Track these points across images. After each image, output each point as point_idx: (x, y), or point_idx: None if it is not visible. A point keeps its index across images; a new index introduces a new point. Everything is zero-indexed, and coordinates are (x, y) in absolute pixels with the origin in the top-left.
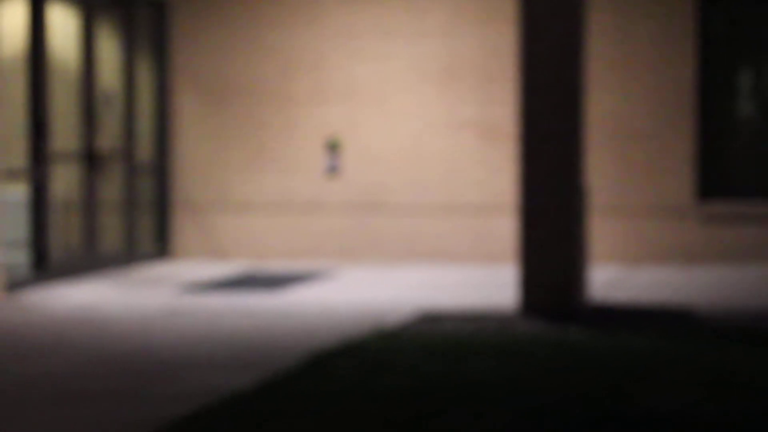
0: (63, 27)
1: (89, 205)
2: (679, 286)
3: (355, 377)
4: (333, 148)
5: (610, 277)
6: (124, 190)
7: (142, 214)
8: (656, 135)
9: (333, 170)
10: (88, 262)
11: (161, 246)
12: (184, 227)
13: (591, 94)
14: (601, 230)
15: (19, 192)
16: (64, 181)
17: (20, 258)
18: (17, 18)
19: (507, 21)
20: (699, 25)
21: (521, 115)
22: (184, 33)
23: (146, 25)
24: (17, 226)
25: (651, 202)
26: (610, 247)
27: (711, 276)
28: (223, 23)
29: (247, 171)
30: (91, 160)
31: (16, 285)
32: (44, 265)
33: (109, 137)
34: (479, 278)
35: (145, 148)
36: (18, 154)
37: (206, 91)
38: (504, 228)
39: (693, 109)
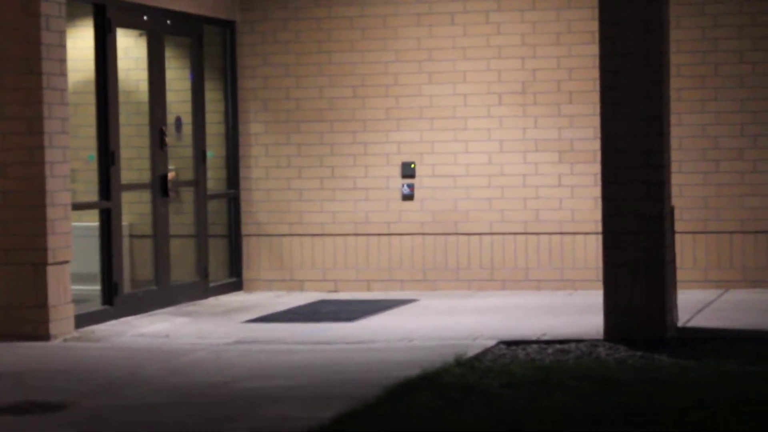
0: (131, 52)
1: (160, 235)
2: None
3: (437, 409)
4: (409, 172)
5: (699, 301)
6: (195, 219)
7: (215, 243)
8: (744, 153)
9: (409, 195)
10: (160, 293)
11: (235, 277)
12: (257, 256)
13: (675, 112)
14: (689, 253)
15: (89, 224)
16: (135, 211)
17: (92, 290)
18: (85, 46)
19: (585, 39)
20: None
21: (602, 135)
22: (254, 56)
23: (215, 49)
24: (88, 258)
25: (741, 223)
26: (699, 271)
27: None
28: (293, 46)
29: (320, 198)
30: (161, 189)
31: (87, 318)
32: (115, 298)
33: (179, 165)
34: (561, 303)
35: (216, 176)
36: (88, 184)
37: (277, 117)
38: (585, 250)
39: None
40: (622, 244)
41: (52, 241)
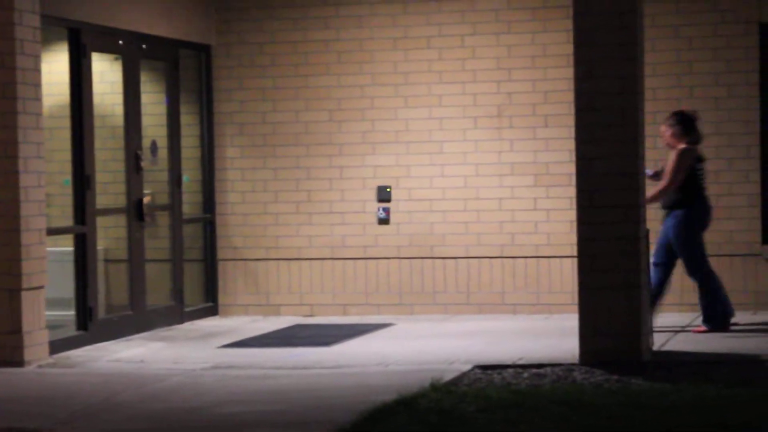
0: (106, 76)
1: (136, 260)
2: (747, 333)
3: None
4: (385, 196)
5: (675, 325)
6: (171, 244)
7: (190, 268)
8: (720, 176)
9: (385, 219)
10: (136, 318)
11: (211, 301)
12: (233, 281)
13: (651, 135)
14: None
15: (64, 248)
16: (111, 236)
17: (67, 316)
18: (60, 70)
19: (560, 62)
20: (763, 62)
21: (577, 158)
22: (230, 80)
23: (191, 73)
24: (63, 283)
25: (717, 246)
26: (674, 294)
27: None
28: (269, 70)
29: (296, 222)
30: (137, 213)
31: (62, 344)
32: (90, 323)
33: (155, 190)
34: (537, 327)
35: (192, 200)
36: (64, 209)
37: (253, 141)
38: (561, 274)
39: (759, 148)
40: (598, 268)
41: (27, 267)
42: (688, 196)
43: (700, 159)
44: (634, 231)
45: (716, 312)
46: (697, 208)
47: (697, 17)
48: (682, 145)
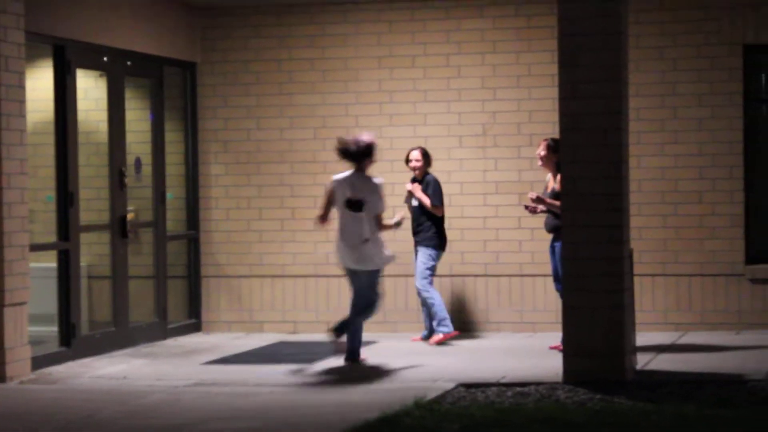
0: (90, 93)
1: (119, 276)
2: (729, 352)
3: None
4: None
5: (658, 344)
6: (154, 260)
7: (174, 285)
8: (703, 196)
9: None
10: (119, 334)
11: (194, 318)
12: (216, 298)
13: (635, 155)
14: (648, 295)
15: (47, 264)
16: (94, 252)
17: (49, 331)
18: (44, 86)
19: (545, 82)
20: (746, 83)
21: (562, 178)
22: (214, 98)
23: (176, 90)
24: (46, 299)
25: (700, 266)
26: (658, 313)
27: (762, 340)
28: (254, 88)
29: (280, 239)
30: (121, 230)
31: (44, 359)
32: (73, 339)
33: (139, 206)
34: (520, 345)
35: (176, 217)
36: (47, 225)
37: (238, 158)
38: (545, 293)
39: (743, 168)
40: (582, 287)
41: (10, 282)
42: None
43: None
44: (617, 251)
45: None
46: None
47: (681, 38)
48: None
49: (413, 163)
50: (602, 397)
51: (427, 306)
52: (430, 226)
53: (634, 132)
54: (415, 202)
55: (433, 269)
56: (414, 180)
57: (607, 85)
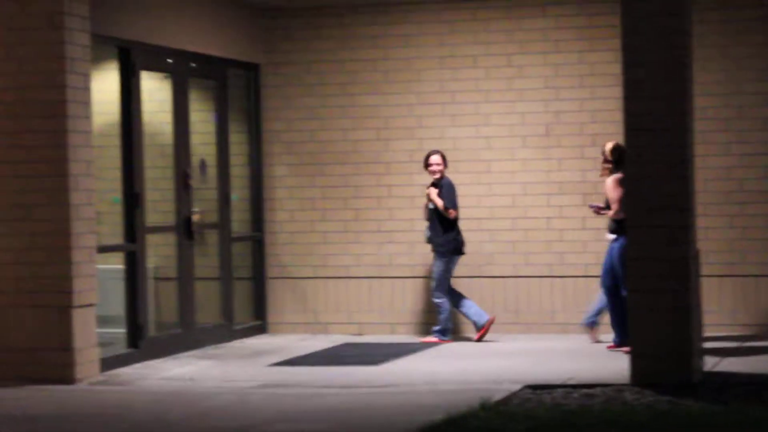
0: (155, 95)
1: (185, 278)
2: None
3: None
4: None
5: (726, 346)
6: (220, 262)
7: (239, 286)
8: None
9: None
10: (185, 336)
11: (259, 319)
12: (281, 299)
13: (700, 155)
14: (715, 296)
15: (114, 266)
16: (160, 253)
17: (117, 333)
18: (109, 89)
19: (608, 81)
20: None
21: (626, 178)
22: (277, 99)
23: (239, 92)
24: (113, 301)
25: (766, 266)
26: (725, 314)
27: None
28: (317, 89)
29: (344, 240)
30: (186, 231)
31: (112, 361)
32: (140, 341)
33: (204, 207)
34: (587, 346)
35: (240, 219)
36: (113, 227)
37: (301, 159)
38: None
39: None
40: (648, 288)
41: (78, 284)
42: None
43: None
44: (683, 252)
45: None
46: None
47: (745, 37)
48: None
49: (434, 167)
50: (669, 399)
51: (444, 310)
52: (441, 232)
53: (699, 131)
54: (432, 205)
55: (445, 276)
56: (432, 184)
57: (671, 84)
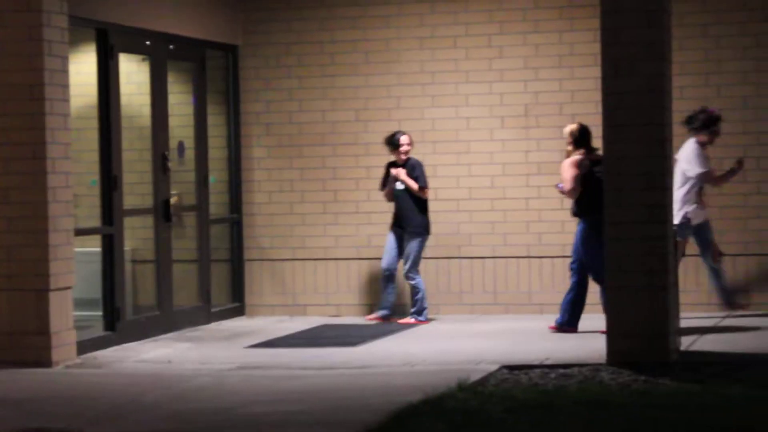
0: (133, 77)
1: (163, 260)
2: None
3: None
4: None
5: (702, 325)
6: (198, 244)
7: (217, 268)
8: (748, 175)
9: None
10: (163, 318)
11: (237, 302)
12: (259, 281)
13: (678, 135)
14: (692, 276)
15: (92, 249)
16: (138, 236)
17: (94, 316)
18: (87, 71)
19: (587, 61)
20: None
21: (605, 157)
22: (256, 80)
23: (218, 73)
24: (90, 283)
25: (744, 245)
26: (702, 294)
27: None
28: (296, 70)
29: (323, 222)
30: (164, 214)
31: (89, 344)
32: (118, 323)
33: (182, 190)
34: None
35: (219, 201)
36: (91, 210)
37: (280, 141)
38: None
39: None
40: (625, 268)
41: (55, 267)
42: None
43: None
44: (660, 231)
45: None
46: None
47: (725, 16)
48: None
49: (404, 147)
50: (646, 379)
51: (412, 291)
52: (416, 212)
53: (677, 110)
54: (400, 186)
55: (419, 256)
56: (396, 165)
57: (650, 63)
